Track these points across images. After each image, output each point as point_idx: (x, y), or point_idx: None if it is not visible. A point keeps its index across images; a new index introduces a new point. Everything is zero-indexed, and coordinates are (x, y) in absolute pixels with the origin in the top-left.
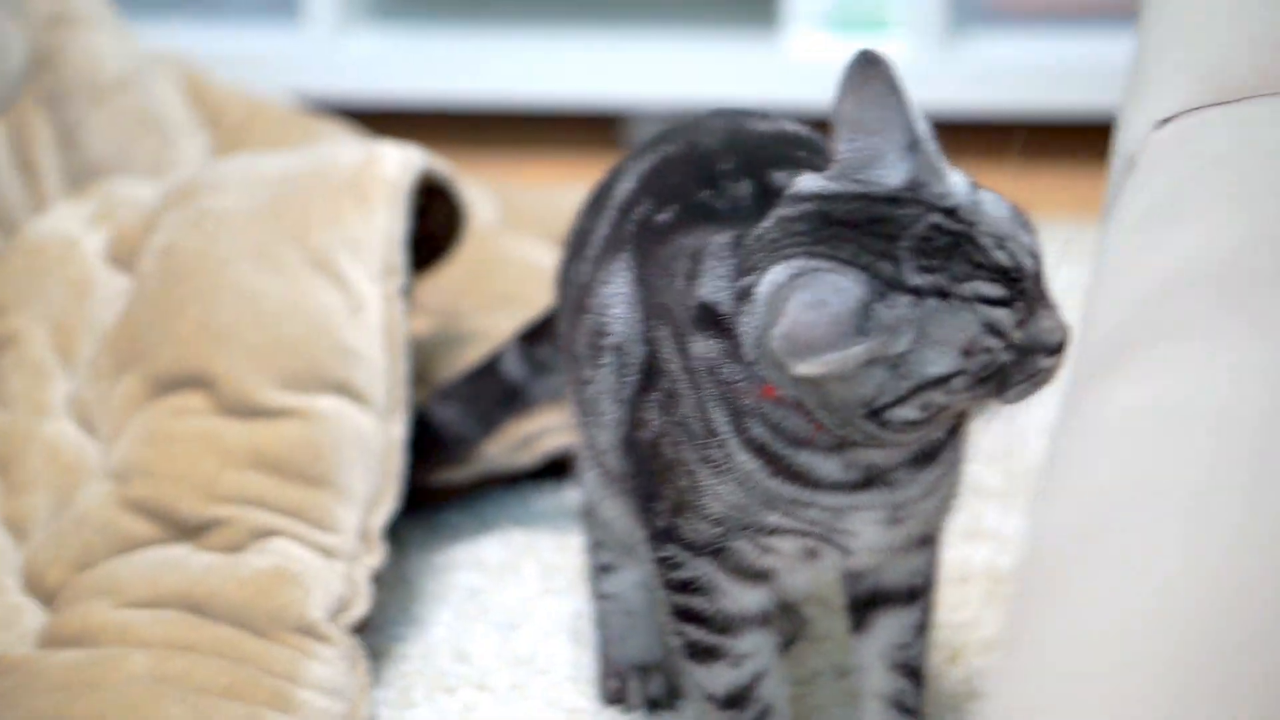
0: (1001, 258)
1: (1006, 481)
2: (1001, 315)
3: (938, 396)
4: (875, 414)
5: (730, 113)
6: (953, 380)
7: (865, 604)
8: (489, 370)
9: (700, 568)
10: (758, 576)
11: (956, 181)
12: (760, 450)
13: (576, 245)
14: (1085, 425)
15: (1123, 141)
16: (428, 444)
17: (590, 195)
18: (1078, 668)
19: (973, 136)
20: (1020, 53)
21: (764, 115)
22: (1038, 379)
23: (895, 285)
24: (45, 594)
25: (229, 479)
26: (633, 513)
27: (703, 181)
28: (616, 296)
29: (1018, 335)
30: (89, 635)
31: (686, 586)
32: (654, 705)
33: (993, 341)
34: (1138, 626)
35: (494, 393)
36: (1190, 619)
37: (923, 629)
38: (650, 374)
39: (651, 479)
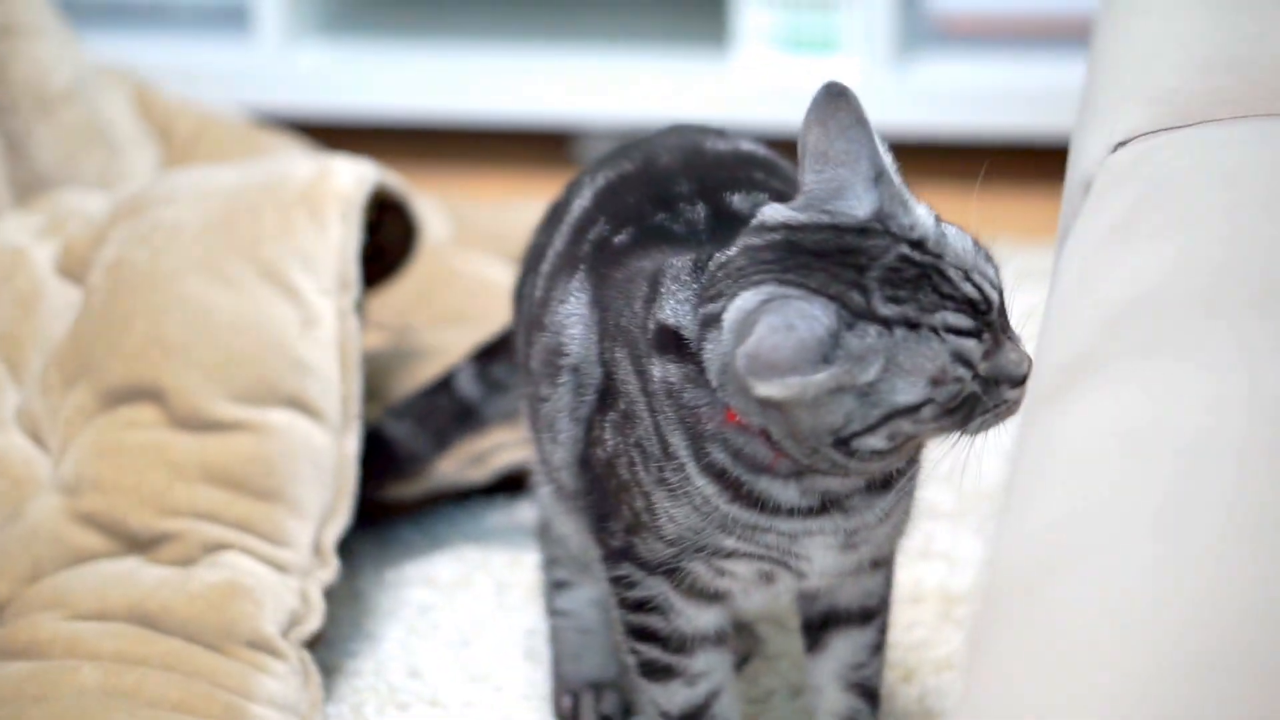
0: (968, 289)
1: (959, 502)
2: (969, 345)
3: (906, 425)
4: (843, 443)
5: (688, 129)
6: (922, 409)
7: (820, 624)
8: (443, 388)
9: (655, 587)
10: (713, 597)
11: (922, 214)
12: (719, 475)
13: (532, 260)
14: (1045, 447)
15: (1078, 165)
16: (380, 461)
17: (547, 210)
18: (1045, 691)
19: (922, 158)
20: (970, 75)
21: (721, 133)
22: (1002, 410)
23: (864, 315)
24: None
25: (180, 492)
26: (587, 531)
27: (659, 203)
28: (573, 317)
29: (984, 366)
30: (38, 648)
31: (641, 606)
32: None
33: (961, 371)
34: (1105, 649)
35: (448, 411)
36: (1159, 642)
37: (877, 649)
38: (607, 394)
39: (606, 498)
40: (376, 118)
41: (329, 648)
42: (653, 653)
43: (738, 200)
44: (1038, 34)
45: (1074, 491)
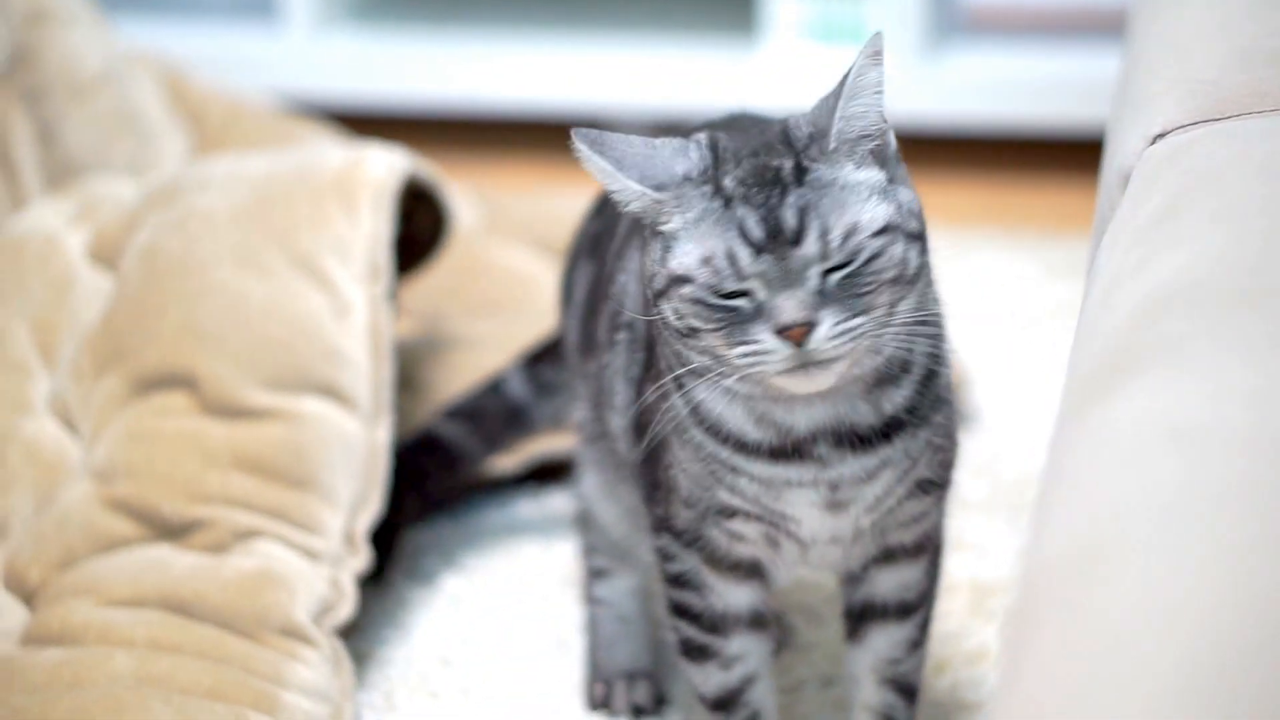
0: (787, 215)
1: (990, 493)
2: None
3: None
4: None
5: (751, 119)
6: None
7: (859, 615)
8: (493, 390)
9: (688, 560)
10: (737, 568)
11: (846, 170)
12: (680, 388)
13: (590, 246)
14: (1084, 438)
15: (1115, 157)
16: (433, 461)
17: (599, 199)
18: (1085, 683)
19: (951, 149)
20: (1000, 66)
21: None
22: (757, 353)
23: (713, 178)
24: (26, 593)
25: (212, 479)
26: (641, 501)
27: None
28: (630, 275)
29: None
30: (71, 634)
31: (679, 580)
32: (639, 712)
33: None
34: (1146, 642)
35: (499, 413)
36: (1200, 634)
37: (915, 645)
38: (650, 349)
39: (652, 462)
40: (406, 106)
41: (361, 636)
42: (690, 631)
43: None
44: (1067, 26)
45: (1113, 483)
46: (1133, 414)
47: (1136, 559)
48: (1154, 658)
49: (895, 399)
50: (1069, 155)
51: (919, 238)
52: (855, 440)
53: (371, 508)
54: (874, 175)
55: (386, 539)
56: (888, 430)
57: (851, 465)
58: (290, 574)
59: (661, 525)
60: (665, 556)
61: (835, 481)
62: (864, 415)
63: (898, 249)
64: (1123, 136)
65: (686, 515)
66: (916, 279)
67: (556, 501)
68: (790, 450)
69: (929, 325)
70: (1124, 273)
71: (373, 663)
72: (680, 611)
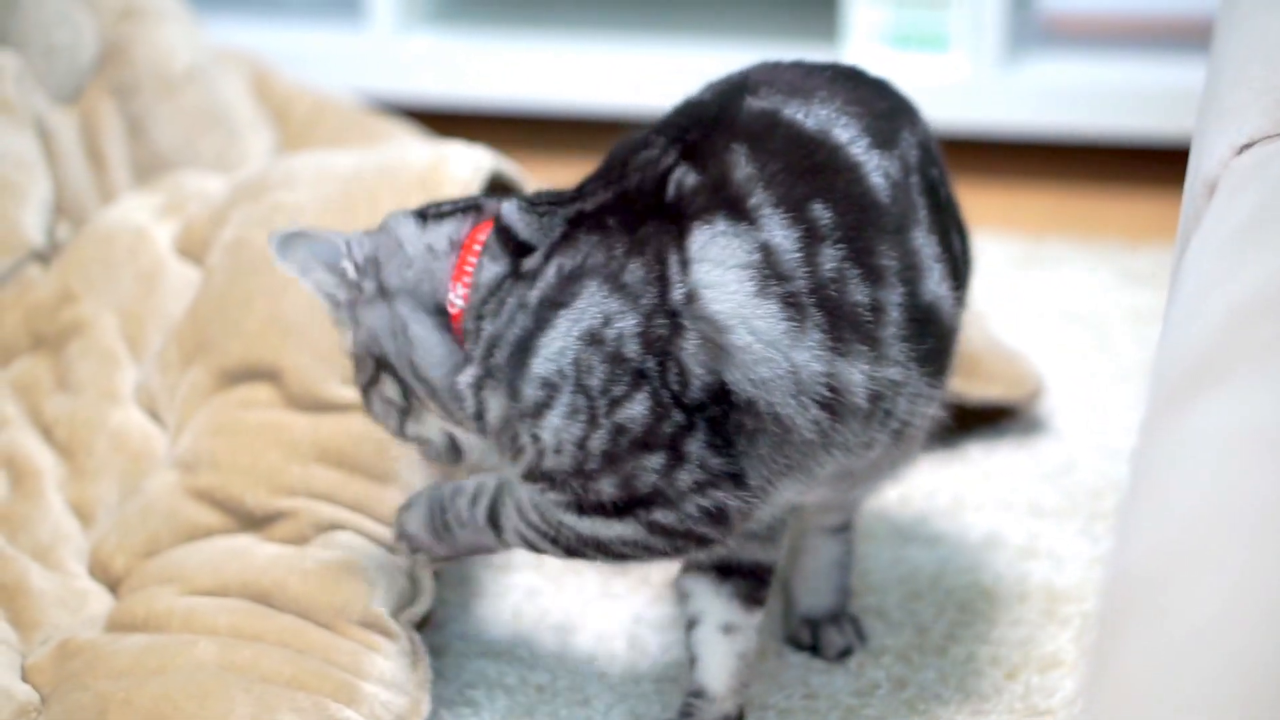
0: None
1: (1064, 501)
2: None
3: None
4: None
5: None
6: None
7: None
8: None
9: None
10: None
11: None
12: None
13: None
14: (1171, 447)
15: (1200, 166)
16: None
17: None
18: (1169, 693)
19: (1029, 157)
20: (1078, 74)
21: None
22: None
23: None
24: (111, 580)
25: (295, 471)
26: None
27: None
28: None
29: None
30: (155, 621)
31: None
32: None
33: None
34: (1232, 651)
35: None
36: None
37: None
38: None
39: None
40: (488, 105)
41: (438, 629)
42: None
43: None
44: (1146, 35)
45: (1200, 491)
46: (1222, 419)
47: (1221, 567)
48: (1241, 669)
49: None
50: (1146, 164)
51: None
52: None
53: None
54: None
55: None
56: None
57: None
58: (369, 566)
59: None
60: None
61: None
62: None
63: None
64: (1208, 145)
65: None
66: None
67: None
68: None
69: None
70: (1212, 281)
71: (449, 656)
72: None
